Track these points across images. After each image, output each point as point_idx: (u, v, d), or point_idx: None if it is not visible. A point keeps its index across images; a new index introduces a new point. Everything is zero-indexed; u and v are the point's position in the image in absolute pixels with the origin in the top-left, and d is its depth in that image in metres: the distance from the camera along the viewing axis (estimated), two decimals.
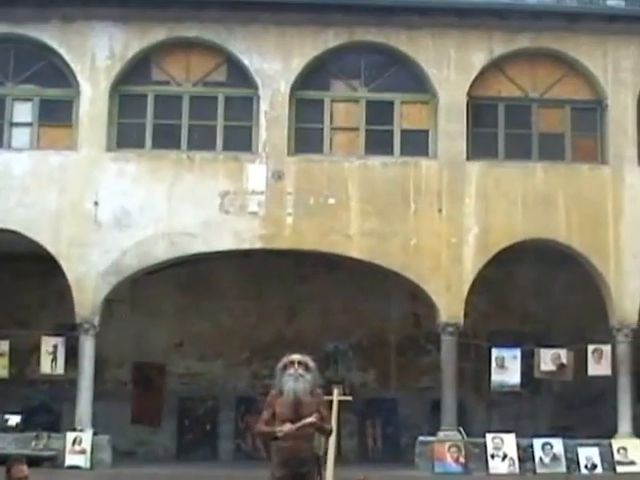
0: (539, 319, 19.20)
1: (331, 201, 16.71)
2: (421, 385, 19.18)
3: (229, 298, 19.20)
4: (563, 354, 16.91)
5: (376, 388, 19.47)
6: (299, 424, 8.40)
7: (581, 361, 16.88)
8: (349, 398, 14.47)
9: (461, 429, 16.55)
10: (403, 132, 17.17)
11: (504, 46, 17.14)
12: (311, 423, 8.45)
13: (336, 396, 13.57)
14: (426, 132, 17.21)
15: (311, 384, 8.64)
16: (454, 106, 16.95)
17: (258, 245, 16.77)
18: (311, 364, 8.79)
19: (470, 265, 16.74)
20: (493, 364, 16.87)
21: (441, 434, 16.44)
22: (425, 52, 17.07)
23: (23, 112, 17.12)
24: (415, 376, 19.30)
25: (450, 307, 16.66)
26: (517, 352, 16.86)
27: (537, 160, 17.20)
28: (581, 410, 18.74)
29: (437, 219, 16.78)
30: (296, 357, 8.78)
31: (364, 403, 18.76)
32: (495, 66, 17.29)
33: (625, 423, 16.64)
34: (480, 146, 17.17)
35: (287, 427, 8.38)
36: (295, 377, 8.55)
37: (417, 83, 17.30)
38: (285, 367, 8.72)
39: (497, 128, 17.31)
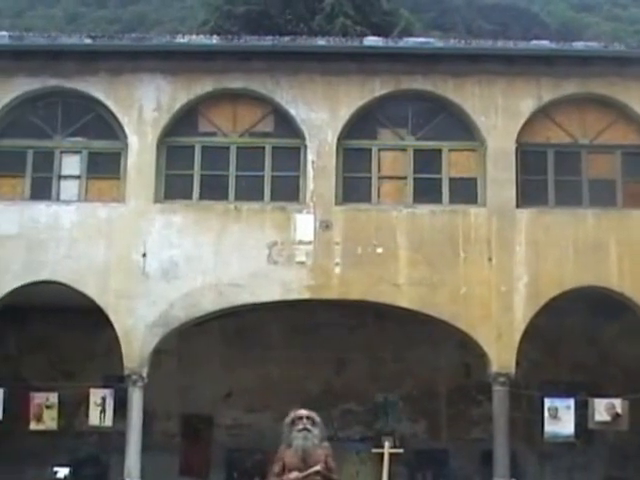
0: (591, 368, 18.88)
1: (379, 250, 16.60)
2: (472, 436, 18.89)
3: (277, 349, 19.12)
4: (618, 404, 16.56)
5: (426, 439, 19.23)
6: (305, 472, 8.96)
7: (636, 410, 16.53)
8: (400, 451, 14.21)
9: None
10: (451, 180, 17.05)
11: (552, 92, 17.00)
12: (316, 471, 8.99)
13: (387, 448, 13.33)
14: (474, 180, 17.08)
15: (318, 438, 9.36)
16: (502, 153, 16.82)
17: (306, 295, 16.66)
18: (317, 419, 9.52)
19: (521, 314, 16.49)
20: (546, 414, 16.56)
21: None
22: (472, 99, 16.98)
23: (71, 165, 17.25)
24: (466, 427, 19.03)
25: (501, 356, 16.40)
26: (570, 402, 16.55)
27: (588, 206, 16.98)
28: (637, 460, 18.37)
29: (487, 267, 16.57)
30: (303, 412, 9.51)
31: (414, 455, 18.48)
32: (543, 112, 17.14)
33: None
34: (529, 193, 16.98)
35: (294, 475, 8.96)
36: (304, 434, 9.27)
37: (465, 131, 17.20)
38: (293, 422, 9.44)
39: (547, 175, 17.12)
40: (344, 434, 18.82)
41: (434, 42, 18.12)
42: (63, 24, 46.74)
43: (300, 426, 9.29)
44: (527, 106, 16.97)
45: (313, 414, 9.46)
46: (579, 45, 17.76)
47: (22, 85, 17.17)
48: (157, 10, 50.02)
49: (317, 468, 8.96)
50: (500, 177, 16.79)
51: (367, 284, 16.55)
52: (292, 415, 9.51)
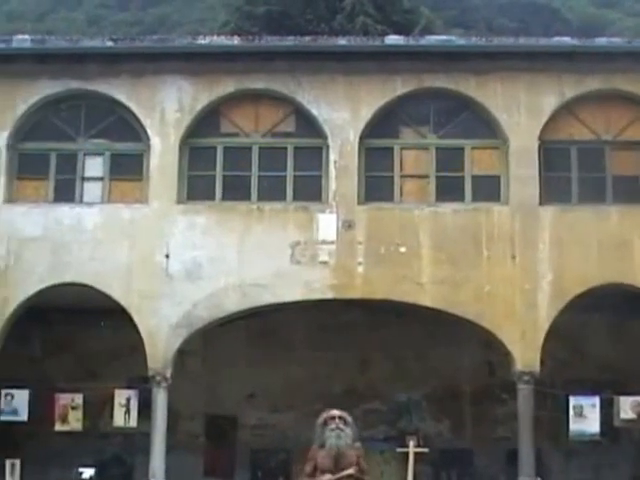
0: (616, 366, 18.72)
1: (402, 249, 16.57)
2: (497, 435, 18.82)
3: (300, 349, 19.12)
4: None
5: (450, 438, 19.17)
6: (338, 475, 8.93)
7: None
8: (425, 450, 14.15)
9: (539, 479, 16.16)
10: (474, 178, 17.00)
11: (575, 89, 16.93)
12: (349, 475, 8.97)
13: (411, 448, 13.30)
14: (497, 178, 17.02)
15: (351, 438, 9.35)
16: (525, 151, 16.75)
17: (329, 295, 16.65)
18: (349, 419, 9.51)
19: (545, 312, 16.42)
20: (571, 413, 16.48)
21: None
22: (494, 97, 16.93)
23: (94, 167, 17.32)
24: (490, 426, 18.96)
25: (525, 355, 16.34)
26: (596, 400, 16.48)
27: (611, 203, 16.89)
28: None
29: (510, 266, 16.51)
30: (336, 412, 9.51)
31: (439, 454, 18.40)
32: (566, 109, 17.07)
33: None
34: (553, 190, 16.92)
35: (326, 477, 8.95)
36: (337, 433, 9.25)
37: (487, 128, 17.14)
38: (325, 422, 9.43)
39: (570, 172, 17.05)
40: (368, 434, 18.61)
41: (456, 40, 18.08)
42: (84, 27, 46.91)
43: (332, 426, 9.29)
44: (549, 103, 16.89)
45: (345, 414, 9.46)
46: (602, 41, 17.72)
47: (45, 88, 17.25)
48: (178, 12, 50.10)
49: (350, 471, 8.97)
50: (523, 175, 16.72)
51: (390, 283, 16.52)
52: (324, 415, 9.52)
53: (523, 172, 16.72)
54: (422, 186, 17.15)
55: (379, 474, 18.48)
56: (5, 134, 17.15)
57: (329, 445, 9.22)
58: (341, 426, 9.31)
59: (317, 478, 9.04)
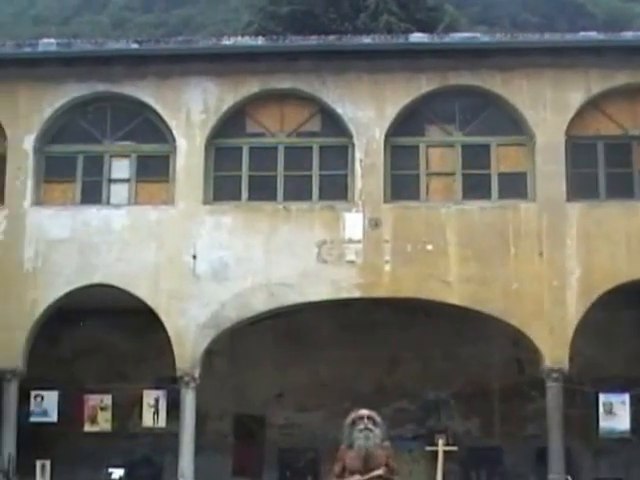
0: None
1: (429, 247, 16.53)
2: (526, 433, 18.73)
3: (327, 348, 19.10)
4: None
5: (480, 437, 19.09)
6: (367, 476, 8.82)
7: None
8: (454, 448, 14.11)
9: (569, 478, 16.08)
10: (500, 175, 16.94)
11: (601, 83, 16.83)
12: (379, 475, 8.87)
13: (441, 446, 13.26)
14: (524, 174, 16.94)
15: (380, 438, 9.21)
16: (552, 147, 16.67)
17: (356, 294, 16.65)
18: (378, 419, 9.37)
19: (573, 308, 16.34)
20: (601, 410, 16.39)
21: None
22: (520, 93, 16.86)
23: (121, 169, 17.40)
24: (519, 424, 18.86)
25: (554, 352, 16.26)
26: (626, 397, 16.38)
27: (639, 199, 16.80)
28: None
29: (538, 262, 16.44)
30: (365, 412, 9.36)
31: (467, 452, 18.34)
32: (593, 104, 16.97)
33: None
34: (580, 186, 16.82)
35: (356, 478, 8.83)
36: (366, 434, 9.12)
37: (513, 125, 17.08)
38: (354, 422, 9.29)
39: (597, 168, 16.95)
40: (396, 433, 18.60)
41: (480, 37, 18.06)
42: (109, 30, 47.13)
43: (361, 426, 9.20)
44: (576, 98, 16.80)
45: (374, 414, 9.36)
46: (628, 35, 17.57)
47: (71, 91, 17.34)
48: (202, 13, 50.21)
49: (379, 472, 8.89)
50: (550, 171, 16.64)
51: (417, 281, 16.50)
52: (353, 415, 9.42)
53: (550, 168, 16.64)
54: (448, 184, 17.11)
55: (408, 473, 18.38)
56: (32, 137, 17.26)
57: (358, 446, 9.13)
58: (370, 426, 9.21)
59: (346, 479, 8.96)
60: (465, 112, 17.24)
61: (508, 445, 18.85)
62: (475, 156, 17.06)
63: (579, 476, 16.78)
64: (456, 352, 18.97)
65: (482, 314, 16.62)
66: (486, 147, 17.04)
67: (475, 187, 16.96)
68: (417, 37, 18.12)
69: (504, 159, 17.06)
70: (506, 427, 19.01)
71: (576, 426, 17.82)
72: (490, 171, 16.97)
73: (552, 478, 16.00)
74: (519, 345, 17.44)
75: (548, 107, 16.79)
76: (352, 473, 8.96)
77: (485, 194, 16.89)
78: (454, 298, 16.50)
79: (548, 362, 16.22)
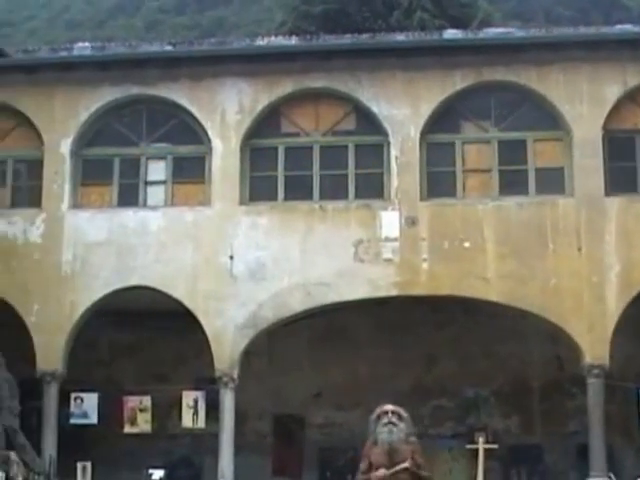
0: None
1: (466, 244, 16.45)
2: (567, 430, 18.58)
3: (365, 347, 19.05)
4: None
5: (520, 434, 18.96)
6: (393, 470, 8.68)
7: None
8: (495, 446, 14.08)
9: (611, 475, 15.93)
10: (537, 171, 16.82)
11: (638, 77, 16.64)
12: (405, 468, 8.69)
13: (481, 444, 13.21)
14: (561, 169, 16.82)
15: (405, 433, 9.01)
16: (589, 141, 16.53)
17: (393, 292, 16.60)
18: (404, 414, 9.21)
19: (613, 304, 16.18)
20: None
21: None
22: (556, 88, 16.73)
23: (157, 171, 17.47)
24: (560, 421, 18.72)
25: (594, 348, 16.12)
26: None
27: None
28: None
29: (577, 258, 16.31)
30: (389, 407, 9.21)
31: (507, 450, 18.25)
32: (630, 98, 16.81)
33: None
34: (618, 181, 16.65)
35: (381, 472, 8.70)
36: (389, 428, 8.95)
37: (549, 120, 16.95)
38: (379, 417, 9.15)
39: (635, 161, 16.78)
40: (435, 431, 18.69)
41: (515, 32, 17.95)
42: (143, 32, 47.29)
43: (385, 420, 9.06)
44: (613, 92, 16.65)
45: (399, 409, 9.22)
46: None
47: (106, 94, 17.44)
48: (235, 14, 50.29)
49: (405, 465, 8.72)
50: (587, 166, 16.50)
51: (455, 279, 16.42)
52: (377, 410, 9.30)
53: (587, 163, 16.51)
54: (485, 180, 17.02)
55: (447, 471, 18.39)
56: (69, 141, 17.38)
57: (381, 441, 9.00)
58: (394, 420, 9.06)
59: (372, 473, 8.83)
60: (501, 108, 17.14)
61: (548, 442, 18.72)
62: (512, 152, 16.96)
63: (621, 473, 16.60)
64: (495, 349, 18.86)
65: (520, 311, 16.52)
66: (522, 143, 16.93)
67: (512, 183, 16.86)
68: (451, 33, 18.07)
69: (541, 154, 16.94)
70: (546, 424, 18.88)
71: (617, 423, 17.69)
72: (527, 167, 16.85)
73: (594, 475, 15.86)
74: (558, 342, 17.31)
75: (585, 101, 16.65)
76: (377, 469, 8.83)
77: (522, 190, 16.78)
78: (492, 295, 16.41)
79: (588, 358, 16.09)
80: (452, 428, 19.02)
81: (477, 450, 12.97)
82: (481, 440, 13.12)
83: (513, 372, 18.91)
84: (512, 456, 18.57)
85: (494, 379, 19.03)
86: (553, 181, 16.79)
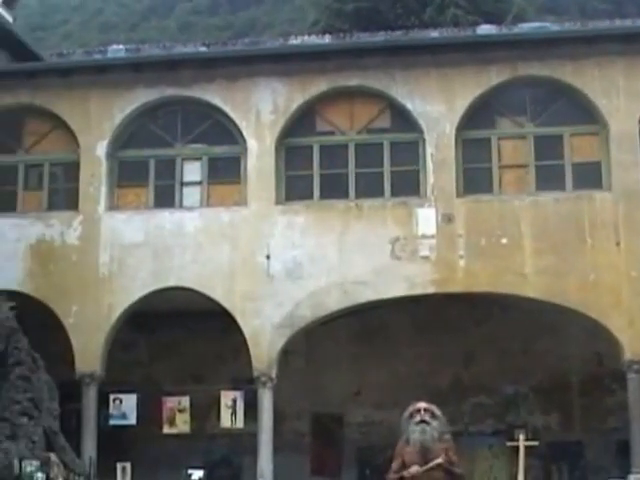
0: None
1: (503, 241, 16.36)
2: (607, 426, 18.44)
3: (403, 345, 19.02)
4: None
5: (560, 431, 18.85)
6: (426, 467, 8.42)
7: None
8: (535, 443, 13.94)
9: None
10: (574, 165, 16.69)
11: None
12: (438, 464, 8.45)
13: (522, 441, 13.10)
14: (598, 164, 16.68)
15: (438, 431, 8.71)
16: (626, 135, 16.38)
17: (431, 290, 16.54)
18: (437, 411, 8.87)
19: None
20: None
21: (632, 477, 15.70)
22: (592, 82, 16.60)
23: (193, 171, 17.51)
24: (600, 417, 18.58)
25: (634, 343, 15.96)
26: None
27: None
28: None
29: (615, 253, 16.16)
30: (422, 405, 8.88)
31: (548, 447, 18.11)
32: None
33: None
34: None
35: (414, 469, 8.43)
36: (422, 427, 8.66)
37: (585, 114, 16.81)
38: (411, 415, 8.83)
39: None
40: (475, 428, 18.61)
41: (550, 26, 17.89)
42: (176, 34, 47.42)
43: (417, 419, 8.75)
44: None
45: (432, 406, 8.92)
46: None
47: (141, 96, 17.50)
48: (267, 14, 50.31)
49: (439, 461, 8.51)
50: (625, 159, 16.36)
51: (492, 275, 16.33)
52: (410, 408, 8.97)
53: (625, 157, 16.36)
54: (521, 176, 16.92)
55: (488, 468, 18.31)
56: (104, 143, 17.46)
57: (413, 440, 8.69)
58: (427, 419, 8.74)
59: (405, 470, 8.64)
60: (536, 103, 17.03)
61: (589, 439, 18.58)
62: (548, 147, 16.84)
63: None
64: (533, 346, 18.75)
65: (559, 307, 16.40)
66: (559, 137, 16.81)
67: (549, 178, 16.74)
68: (485, 29, 18.07)
69: (577, 149, 16.81)
70: (586, 421, 18.75)
71: None
72: (563, 162, 16.73)
73: (635, 472, 15.72)
74: (598, 337, 17.12)
75: (621, 95, 16.51)
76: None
77: (559, 185, 16.66)
78: (530, 291, 16.31)
79: (628, 354, 15.95)
80: (492, 425, 18.93)
81: (517, 447, 12.85)
82: (521, 437, 12.98)
83: (552, 368, 18.80)
84: (552, 453, 18.46)
85: (533, 376, 18.92)
86: (590, 175, 16.66)
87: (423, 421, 8.73)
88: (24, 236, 17.38)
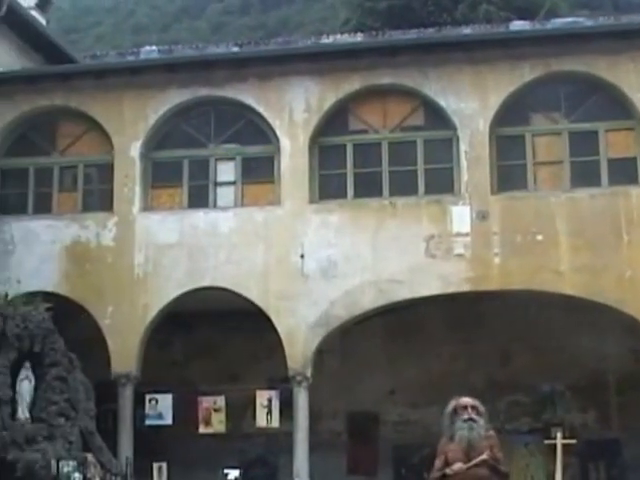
0: None
1: (539, 238, 16.24)
2: None
3: (438, 343, 18.93)
4: None
5: (597, 429, 18.69)
6: (470, 463, 8.28)
7: None
8: (573, 441, 13.82)
9: None
10: (610, 161, 16.54)
11: None
12: (483, 460, 8.29)
13: (559, 439, 13.01)
14: (634, 159, 16.52)
15: (484, 429, 8.55)
16: None
17: (465, 288, 16.46)
18: (481, 408, 8.68)
19: None
20: None
21: None
22: (627, 77, 16.43)
23: (226, 171, 17.53)
24: (638, 415, 18.34)
25: None
26: None
27: None
28: None
29: None
30: (468, 401, 8.69)
31: (585, 445, 17.96)
32: None
33: None
34: None
35: (457, 466, 8.28)
36: (470, 424, 8.48)
37: (621, 109, 16.66)
38: (456, 411, 8.62)
39: None
40: (511, 426, 18.48)
41: (583, 21, 17.76)
42: (208, 34, 47.55)
43: (465, 416, 8.55)
44: None
45: (477, 403, 8.73)
46: None
47: (174, 97, 17.55)
48: (299, 13, 50.35)
49: (483, 457, 8.35)
50: None
51: (528, 273, 16.22)
52: (454, 404, 8.74)
53: None
54: (556, 172, 16.80)
55: (524, 466, 18.22)
56: (138, 144, 17.52)
57: (459, 437, 8.48)
58: (474, 416, 8.55)
59: (449, 467, 8.51)
60: (570, 99, 16.90)
61: (627, 437, 18.39)
62: (583, 143, 16.71)
63: None
64: (569, 343, 18.60)
65: (595, 304, 16.25)
66: (594, 133, 16.66)
67: (584, 174, 16.61)
68: (518, 25, 17.97)
69: (613, 144, 16.66)
70: (624, 419, 18.56)
71: None
72: (599, 157, 16.58)
73: None
74: (635, 334, 17.01)
75: None
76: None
77: (595, 181, 16.52)
78: (566, 288, 16.19)
79: None
80: (528, 423, 18.80)
81: (554, 445, 12.76)
82: (559, 435, 12.90)
83: (589, 366, 18.64)
84: (590, 451, 18.28)
85: (569, 373, 18.76)
86: (626, 171, 16.50)
87: (471, 419, 8.56)
88: (59, 238, 17.49)
